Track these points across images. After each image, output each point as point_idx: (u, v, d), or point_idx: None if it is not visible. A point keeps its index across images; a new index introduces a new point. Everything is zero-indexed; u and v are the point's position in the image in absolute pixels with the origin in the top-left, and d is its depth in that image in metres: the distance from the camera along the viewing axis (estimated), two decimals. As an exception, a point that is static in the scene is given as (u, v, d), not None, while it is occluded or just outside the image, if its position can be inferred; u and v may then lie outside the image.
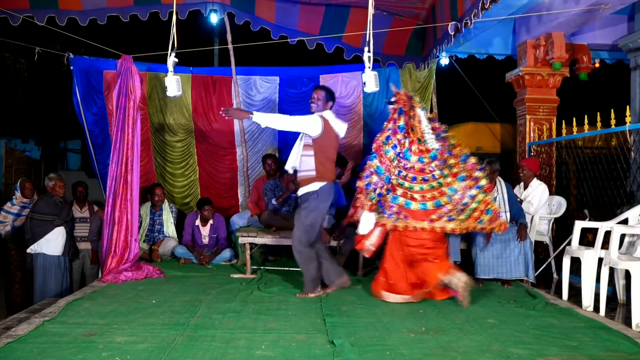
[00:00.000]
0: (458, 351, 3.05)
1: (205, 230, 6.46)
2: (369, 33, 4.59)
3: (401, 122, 4.52)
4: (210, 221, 6.48)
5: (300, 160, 4.49)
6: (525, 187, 5.85)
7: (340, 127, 4.59)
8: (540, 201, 5.69)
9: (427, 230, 4.36)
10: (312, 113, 4.55)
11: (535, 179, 5.84)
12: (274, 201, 6.13)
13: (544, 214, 5.69)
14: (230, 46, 6.96)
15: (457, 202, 4.37)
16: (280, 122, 4.52)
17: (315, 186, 4.43)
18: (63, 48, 8.53)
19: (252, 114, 4.44)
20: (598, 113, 5.43)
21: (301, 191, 4.52)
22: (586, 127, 5.66)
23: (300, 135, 4.57)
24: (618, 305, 4.60)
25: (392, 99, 4.62)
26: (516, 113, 7.34)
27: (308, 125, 4.47)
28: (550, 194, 6.03)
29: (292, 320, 3.67)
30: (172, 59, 5.13)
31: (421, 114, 4.54)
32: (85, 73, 7.01)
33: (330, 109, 4.62)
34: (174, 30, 5.06)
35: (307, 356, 2.93)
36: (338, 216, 5.82)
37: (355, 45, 7.05)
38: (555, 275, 5.64)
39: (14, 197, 6.29)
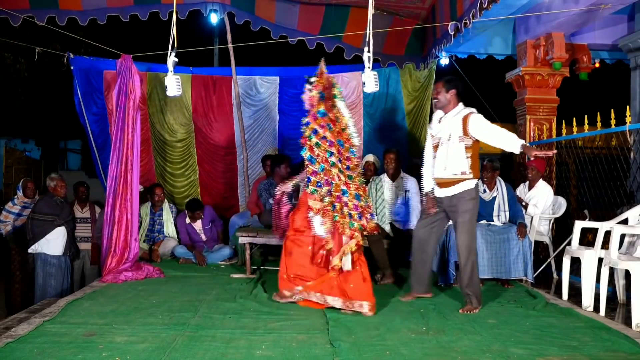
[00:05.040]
0: (458, 351, 3.05)
1: (197, 226, 6.47)
2: (369, 33, 4.59)
3: (321, 108, 4.11)
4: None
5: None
6: (530, 188, 5.85)
7: None
8: (545, 204, 5.68)
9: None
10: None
11: (541, 180, 5.83)
12: (270, 201, 6.12)
13: (545, 214, 5.69)
14: (230, 46, 6.96)
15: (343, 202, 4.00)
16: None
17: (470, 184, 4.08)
18: (63, 48, 8.52)
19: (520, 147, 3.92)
20: (598, 113, 5.42)
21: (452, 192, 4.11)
22: (586, 127, 5.65)
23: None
24: (618, 305, 4.60)
25: (312, 79, 4.25)
26: (516, 113, 7.34)
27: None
28: (550, 194, 6.03)
29: (292, 320, 3.67)
30: (172, 59, 5.14)
31: (342, 106, 4.22)
32: (85, 73, 7.01)
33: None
34: (174, 30, 5.07)
35: (307, 356, 2.93)
36: None
37: (355, 45, 7.05)
38: (555, 275, 5.64)
39: (15, 196, 6.29)
